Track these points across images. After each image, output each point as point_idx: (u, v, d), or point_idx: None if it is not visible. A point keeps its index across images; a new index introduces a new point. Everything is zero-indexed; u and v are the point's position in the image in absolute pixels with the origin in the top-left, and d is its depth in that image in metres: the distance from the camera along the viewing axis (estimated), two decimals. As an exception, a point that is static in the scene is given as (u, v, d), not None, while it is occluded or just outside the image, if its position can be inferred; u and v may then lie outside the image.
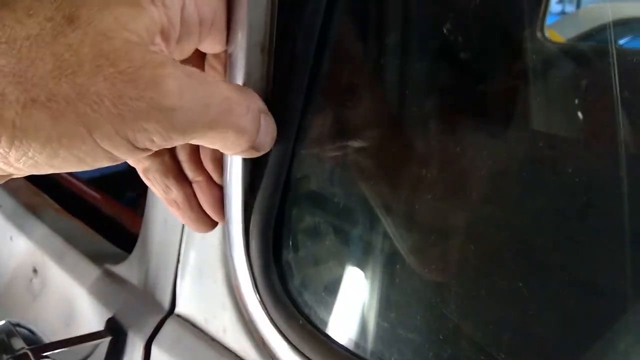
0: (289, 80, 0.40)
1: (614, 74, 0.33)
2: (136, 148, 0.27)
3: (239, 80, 0.36)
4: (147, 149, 0.28)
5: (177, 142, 0.29)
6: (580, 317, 0.32)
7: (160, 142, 0.28)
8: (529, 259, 0.34)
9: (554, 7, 0.50)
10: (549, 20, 0.46)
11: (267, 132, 0.35)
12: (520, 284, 0.32)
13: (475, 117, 0.39)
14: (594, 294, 0.32)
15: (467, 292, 0.35)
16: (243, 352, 0.46)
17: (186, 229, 0.53)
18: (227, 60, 0.37)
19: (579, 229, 0.33)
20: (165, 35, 0.29)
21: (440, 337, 0.34)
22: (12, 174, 0.27)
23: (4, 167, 0.26)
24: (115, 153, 0.27)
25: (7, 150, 0.25)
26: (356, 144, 0.40)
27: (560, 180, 0.34)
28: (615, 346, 0.32)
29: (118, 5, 0.27)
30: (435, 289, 0.36)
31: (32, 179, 1.05)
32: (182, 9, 0.30)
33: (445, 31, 0.39)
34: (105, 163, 0.28)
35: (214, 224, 0.41)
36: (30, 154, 0.26)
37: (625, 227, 0.31)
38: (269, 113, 0.35)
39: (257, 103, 0.34)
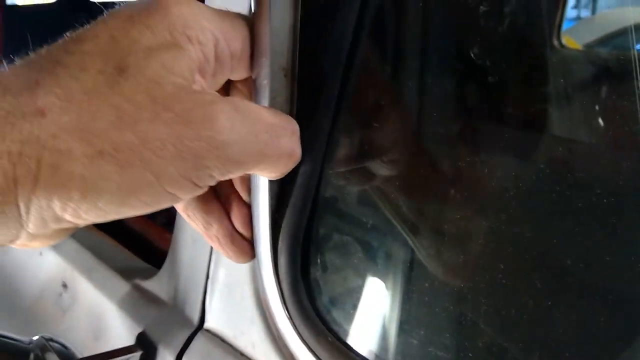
0: (316, 102, 0.41)
1: (636, 78, 0.33)
2: (197, 186, 0.29)
3: (265, 104, 0.37)
4: (206, 186, 0.29)
5: (234, 174, 0.30)
6: (613, 333, 0.32)
7: (219, 177, 0.29)
8: (557, 273, 0.34)
9: (570, 12, 0.50)
10: (565, 26, 0.47)
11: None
12: (550, 303, 0.32)
13: (497, 129, 0.39)
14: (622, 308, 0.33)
15: (500, 308, 0.35)
16: (273, 368, 0.47)
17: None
18: (252, 85, 0.38)
19: (606, 239, 0.34)
20: (202, 71, 0.30)
21: (470, 355, 0.35)
22: (79, 225, 0.28)
23: (74, 220, 0.27)
24: (179, 194, 0.28)
25: (78, 204, 0.26)
26: (384, 164, 0.41)
27: (584, 188, 0.35)
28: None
29: (161, 51, 0.28)
30: (468, 306, 0.37)
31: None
32: (216, 45, 0.31)
33: (466, 49, 0.40)
34: (167, 204, 0.29)
35: (253, 255, 0.42)
36: (100, 204, 0.26)
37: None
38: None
39: (295, 124, 0.35)
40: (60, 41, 0.28)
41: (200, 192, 0.29)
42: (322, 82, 0.40)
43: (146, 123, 0.26)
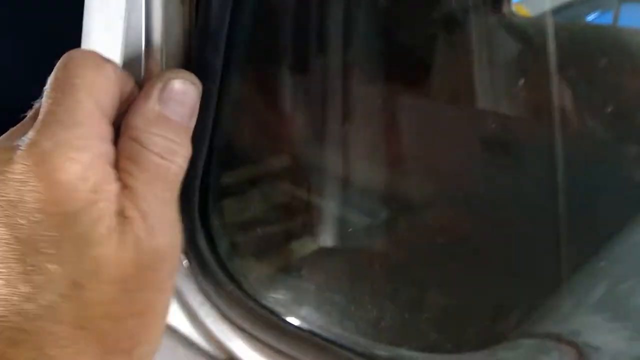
0: (207, 37, 0.37)
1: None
2: None
3: (157, 34, 0.34)
4: None
5: None
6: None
7: None
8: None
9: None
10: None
11: None
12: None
13: (433, 94, 0.38)
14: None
15: (390, 256, 0.34)
16: (175, 324, 0.44)
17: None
18: (143, 13, 0.34)
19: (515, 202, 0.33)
20: None
21: (367, 297, 0.34)
22: None
23: None
24: None
25: None
26: (278, 104, 0.39)
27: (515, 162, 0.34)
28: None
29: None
30: (363, 252, 0.35)
31: None
32: None
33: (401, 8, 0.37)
34: None
35: None
36: None
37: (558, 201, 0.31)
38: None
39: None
40: None
41: None
42: (212, 15, 0.37)
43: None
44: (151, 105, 0.29)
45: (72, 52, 0.28)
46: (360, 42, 0.39)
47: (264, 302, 0.38)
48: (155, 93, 0.29)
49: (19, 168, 0.25)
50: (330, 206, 0.37)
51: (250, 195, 0.40)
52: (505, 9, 0.44)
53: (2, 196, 0.25)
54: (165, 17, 0.34)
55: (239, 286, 0.39)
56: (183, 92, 0.31)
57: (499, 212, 0.33)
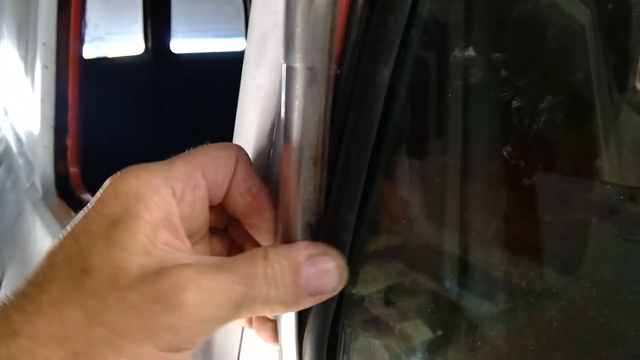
0: (342, 194, 0.39)
1: None
2: (184, 349, 0.29)
3: (294, 193, 0.36)
4: (195, 345, 0.29)
5: (215, 330, 0.30)
6: None
7: (200, 339, 0.29)
8: None
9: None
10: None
11: (317, 275, 0.33)
12: None
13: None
14: None
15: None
16: None
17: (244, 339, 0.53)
18: (281, 174, 0.36)
19: None
20: (167, 226, 0.30)
21: None
22: None
23: None
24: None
25: None
26: (411, 263, 0.38)
27: None
28: None
29: (118, 229, 0.28)
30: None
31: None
32: (174, 195, 0.32)
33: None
34: None
35: None
36: None
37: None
38: (320, 252, 0.34)
39: (289, 259, 0.32)
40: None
41: (194, 347, 0.29)
42: (348, 173, 0.38)
43: (112, 311, 0.27)
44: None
45: None
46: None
47: None
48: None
49: None
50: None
51: (379, 355, 0.40)
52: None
53: None
54: (300, 177, 0.36)
55: None
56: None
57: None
